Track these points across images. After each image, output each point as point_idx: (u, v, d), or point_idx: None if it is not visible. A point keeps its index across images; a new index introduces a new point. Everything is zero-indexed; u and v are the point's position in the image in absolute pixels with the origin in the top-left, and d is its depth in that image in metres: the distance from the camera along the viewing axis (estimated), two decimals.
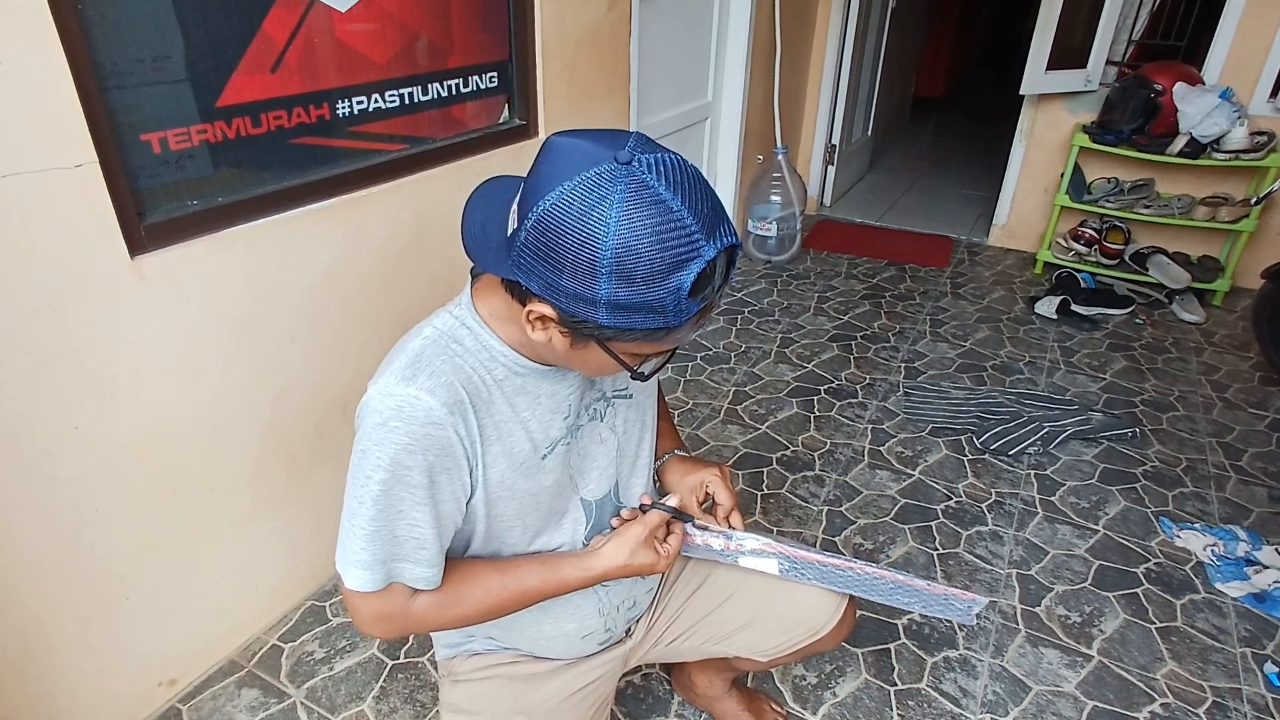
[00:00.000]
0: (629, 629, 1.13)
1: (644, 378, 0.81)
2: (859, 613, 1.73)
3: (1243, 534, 1.97)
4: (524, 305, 0.74)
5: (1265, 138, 3.07)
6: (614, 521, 1.00)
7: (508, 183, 0.81)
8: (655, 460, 1.10)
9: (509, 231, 0.72)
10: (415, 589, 0.85)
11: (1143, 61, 3.45)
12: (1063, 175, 3.45)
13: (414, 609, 0.86)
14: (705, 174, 1.79)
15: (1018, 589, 1.82)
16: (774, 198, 3.57)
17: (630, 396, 0.98)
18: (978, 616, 1.72)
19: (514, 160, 1.99)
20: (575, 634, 1.03)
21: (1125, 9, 3.41)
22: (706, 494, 1.06)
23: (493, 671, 1.04)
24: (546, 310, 0.72)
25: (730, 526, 1.03)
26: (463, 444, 0.81)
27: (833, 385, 2.68)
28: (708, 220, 0.66)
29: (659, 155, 0.67)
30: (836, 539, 1.96)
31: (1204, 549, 1.93)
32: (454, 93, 1.79)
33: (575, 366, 0.83)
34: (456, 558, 0.91)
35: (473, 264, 0.86)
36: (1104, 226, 3.49)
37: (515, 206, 0.72)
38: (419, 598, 0.86)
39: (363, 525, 0.80)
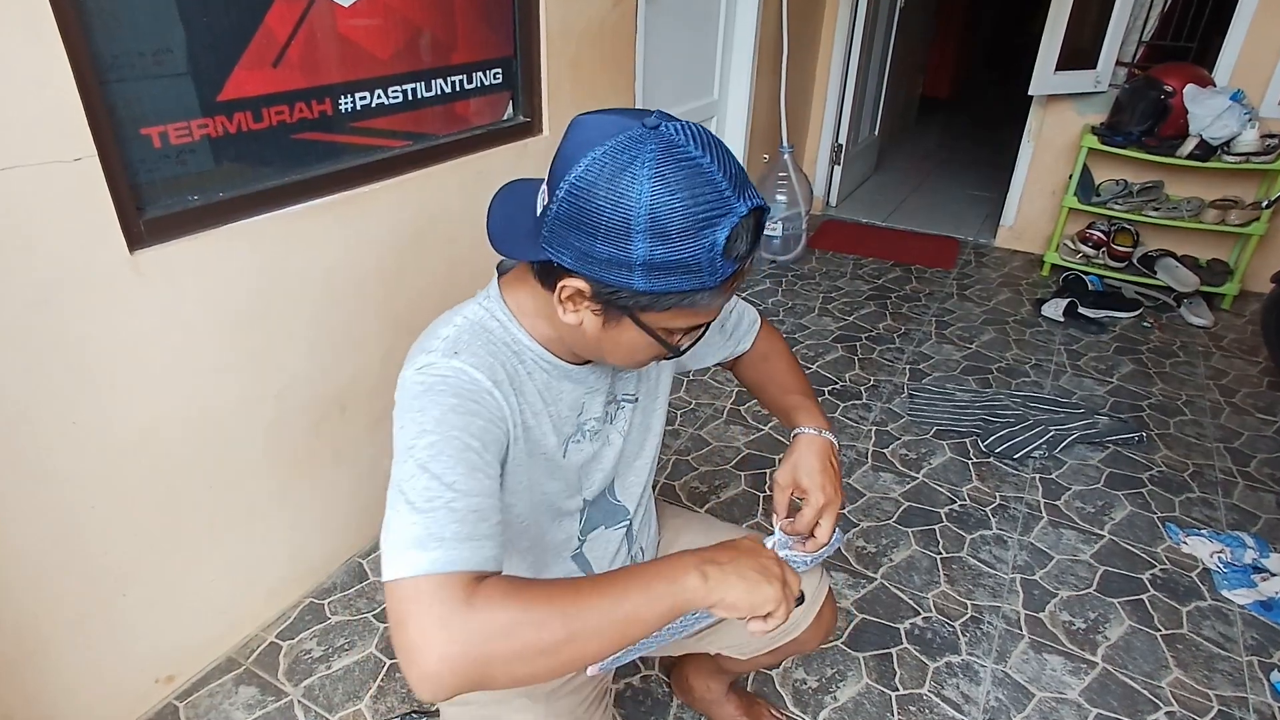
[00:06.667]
0: None
1: (679, 353, 0.82)
2: (861, 616, 1.72)
3: (1250, 541, 1.95)
4: (554, 289, 0.74)
5: (1276, 140, 3.04)
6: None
7: (529, 182, 0.81)
8: (794, 427, 1.03)
9: (539, 212, 0.73)
10: (480, 571, 0.68)
11: (1153, 63, 3.42)
12: (1071, 177, 3.43)
13: (478, 595, 0.65)
14: None
15: (1021, 594, 1.80)
16: (780, 197, 3.55)
17: (636, 401, 0.99)
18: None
19: (517, 158, 1.97)
20: None
21: (1135, 10, 3.38)
22: (801, 499, 0.97)
23: None
24: (580, 284, 0.71)
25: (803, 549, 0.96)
26: (508, 415, 0.78)
27: (837, 386, 2.66)
28: (736, 179, 0.68)
29: (684, 122, 0.69)
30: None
31: (1210, 555, 1.91)
32: (457, 89, 1.78)
33: (606, 351, 0.79)
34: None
35: (500, 260, 0.85)
36: (1112, 229, 3.46)
37: (544, 186, 0.73)
38: (484, 585, 0.67)
39: (413, 498, 0.68)
